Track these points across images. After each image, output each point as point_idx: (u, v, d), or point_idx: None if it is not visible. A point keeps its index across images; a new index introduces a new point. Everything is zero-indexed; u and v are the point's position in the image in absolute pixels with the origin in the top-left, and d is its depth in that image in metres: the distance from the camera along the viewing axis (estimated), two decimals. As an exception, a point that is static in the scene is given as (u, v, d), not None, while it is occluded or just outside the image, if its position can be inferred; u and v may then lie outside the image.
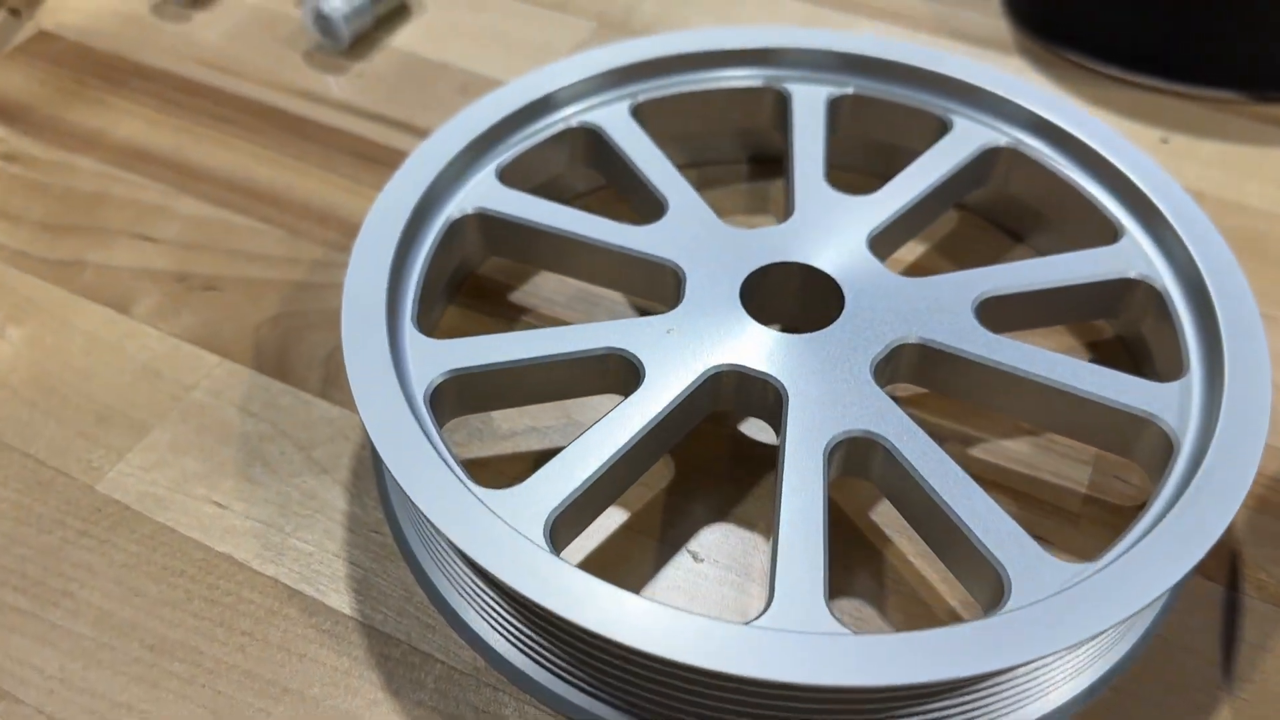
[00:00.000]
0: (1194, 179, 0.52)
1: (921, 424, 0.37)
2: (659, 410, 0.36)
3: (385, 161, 0.52)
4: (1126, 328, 0.44)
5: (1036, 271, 0.41)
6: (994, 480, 0.40)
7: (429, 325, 0.43)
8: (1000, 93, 0.46)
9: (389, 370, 0.36)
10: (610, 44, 0.48)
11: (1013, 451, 0.41)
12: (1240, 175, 0.53)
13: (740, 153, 0.52)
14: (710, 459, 0.41)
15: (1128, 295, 0.41)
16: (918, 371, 0.40)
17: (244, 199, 0.50)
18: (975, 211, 0.50)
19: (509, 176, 0.45)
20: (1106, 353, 0.44)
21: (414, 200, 0.41)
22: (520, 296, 0.46)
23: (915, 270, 0.48)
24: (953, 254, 0.48)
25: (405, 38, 0.59)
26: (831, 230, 0.42)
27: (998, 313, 0.41)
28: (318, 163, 0.52)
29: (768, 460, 0.41)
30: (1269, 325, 0.46)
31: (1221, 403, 0.36)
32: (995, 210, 0.49)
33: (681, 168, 0.51)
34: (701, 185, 0.51)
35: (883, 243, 0.43)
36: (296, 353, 0.44)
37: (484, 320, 0.46)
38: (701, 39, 0.48)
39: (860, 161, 0.51)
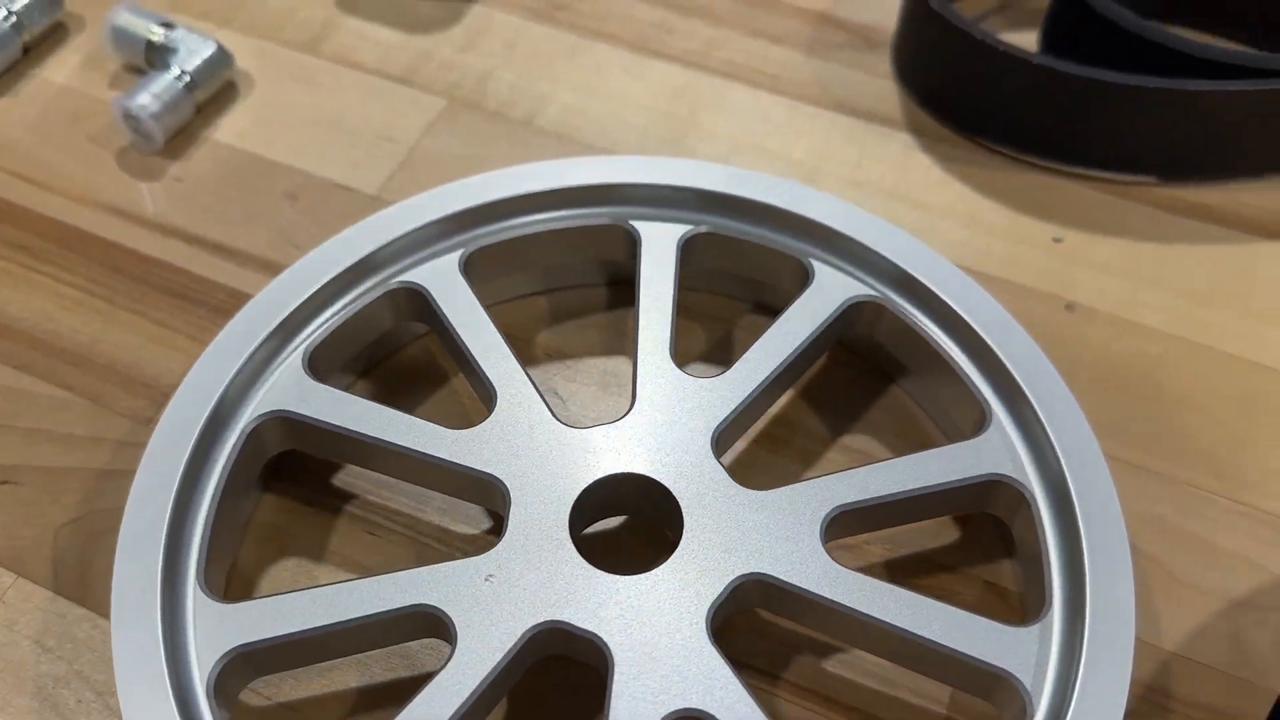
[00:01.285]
0: (1087, 290, 0.48)
1: (766, 652, 0.34)
2: (476, 684, 0.33)
3: (199, 298, 0.47)
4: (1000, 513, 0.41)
5: (891, 476, 0.37)
6: (845, 701, 0.38)
7: (221, 568, 0.39)
8: (865, 241, 0.42)
9: (160, 668, 0.32)
10: (437, 189, 0.43)
11: (870, 664, 0.38)
12: (1139, 282, 0.49)
13: (599, 277, 0.48)
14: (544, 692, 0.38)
15: (993, 495, 0.38)
16: (762, 603, 0.37)
17: (45, 360, 0.45)
18: (847, 347, 0.46)
19: (321, 358, 0.40)
20: (978, 530, 0.41)
21: (202, 417, 0.37)
22: (345, 479, 0.43)
23: (778, 424, 0.44)
24: (819, 401, 0.45)
25: (230, 127, 0.53)
26: (674, 426, 0.38)
27: (853, 523, 0.37)
28: (127, 304, 0.47)
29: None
30: (1159, 484, 0.43)
31: (1081, 656, 0.33)
32: (866, 350, 0.45)
33: (531, 295, 0.47)
34: (555, 317, 0.47)
35: (731, 434, 0.39)
36: (98, 565, 0.40)
37: (304, 512, 0.42)
38: (538, 177, 0.43)
39: (724, 287, 0.47)
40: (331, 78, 0.55)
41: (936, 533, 0.42)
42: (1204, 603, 0.40)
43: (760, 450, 0.44)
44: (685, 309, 0.47)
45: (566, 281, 0.47)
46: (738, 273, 0.45)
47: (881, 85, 0.56)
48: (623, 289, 0.48)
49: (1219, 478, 0.43)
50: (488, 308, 0.41)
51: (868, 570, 0.40)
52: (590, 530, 0.40)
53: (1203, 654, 0.39)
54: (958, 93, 0.53)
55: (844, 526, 0.37)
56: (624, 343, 0.47)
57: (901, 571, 0.41)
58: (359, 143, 0.53)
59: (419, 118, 0.54)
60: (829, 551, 0.36)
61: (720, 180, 0.43)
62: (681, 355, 0.46)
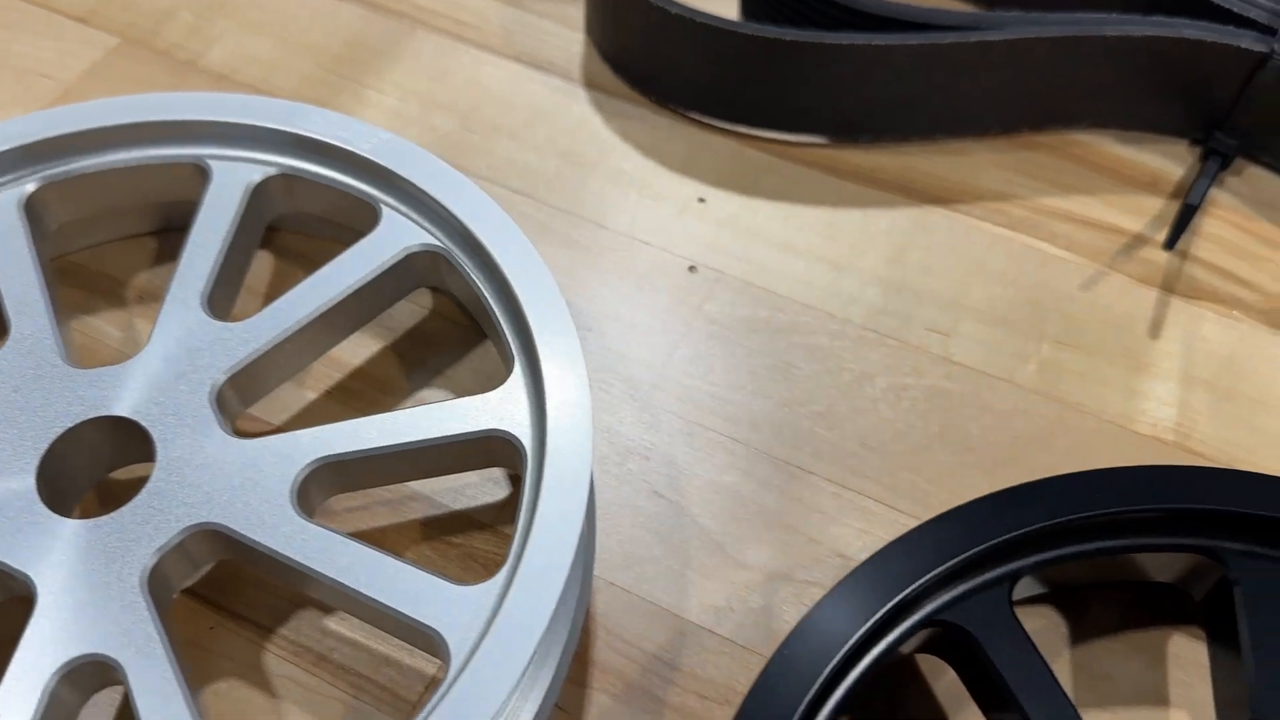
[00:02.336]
0: (717, 251, 0.47)
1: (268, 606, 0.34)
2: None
3: None
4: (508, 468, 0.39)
5: (386, 429, 0.36)
6: (336, 660, 0.37)
7: None
8: (431, 191, 0.40)
9: None
10: (8, 120, 0.42)
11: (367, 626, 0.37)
12: (772, 245, 0.47)
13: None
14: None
15: (498, 452, 0.37)
16: (227, 554, 0.35)
17: None
18: (455, 300, 0.45)
19: None
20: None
21: None
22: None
23: (355, 376, 0.43)
24: (409, 353, 0.43)
25: (-106, 59, 0.52)
26: (177, 370, 0.37)
27: (341, 477, 0.36)
28: None
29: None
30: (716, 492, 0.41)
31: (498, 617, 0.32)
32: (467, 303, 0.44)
33: (143, 236, 0.46)
34: (161, 259, 0.46)
35: (250, 381, 0.38)
36: None
37: None
38: (115, 111, 0.42)
39: (321, 231, 0.45)
40: (6, 12, 0.54)
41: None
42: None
43: (330, 403, 0.42)
44: (286, 251, 0.46)
45: (179, 223, 0.46)
46: (323, 216, 0.44)
47: (571, 39, 0.54)
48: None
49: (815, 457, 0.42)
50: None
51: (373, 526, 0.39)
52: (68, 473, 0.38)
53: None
54: (634, 51, 0.51)
55: (331, 479, 0.36)
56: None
57: (439, 529, 0.40)
58: (16, 79, 0.52)
59: (85, 56, 0.53)
60: (298, 504, 0.34)
61: (298, 121, 0.42)
62: (264, 299, 0.44)
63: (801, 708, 0.30)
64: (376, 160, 0.41)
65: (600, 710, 0.36)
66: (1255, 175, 0.50)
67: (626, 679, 0.37)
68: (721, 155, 0.50)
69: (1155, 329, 0.45)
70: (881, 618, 0.32)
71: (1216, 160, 0.49)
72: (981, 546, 0.33)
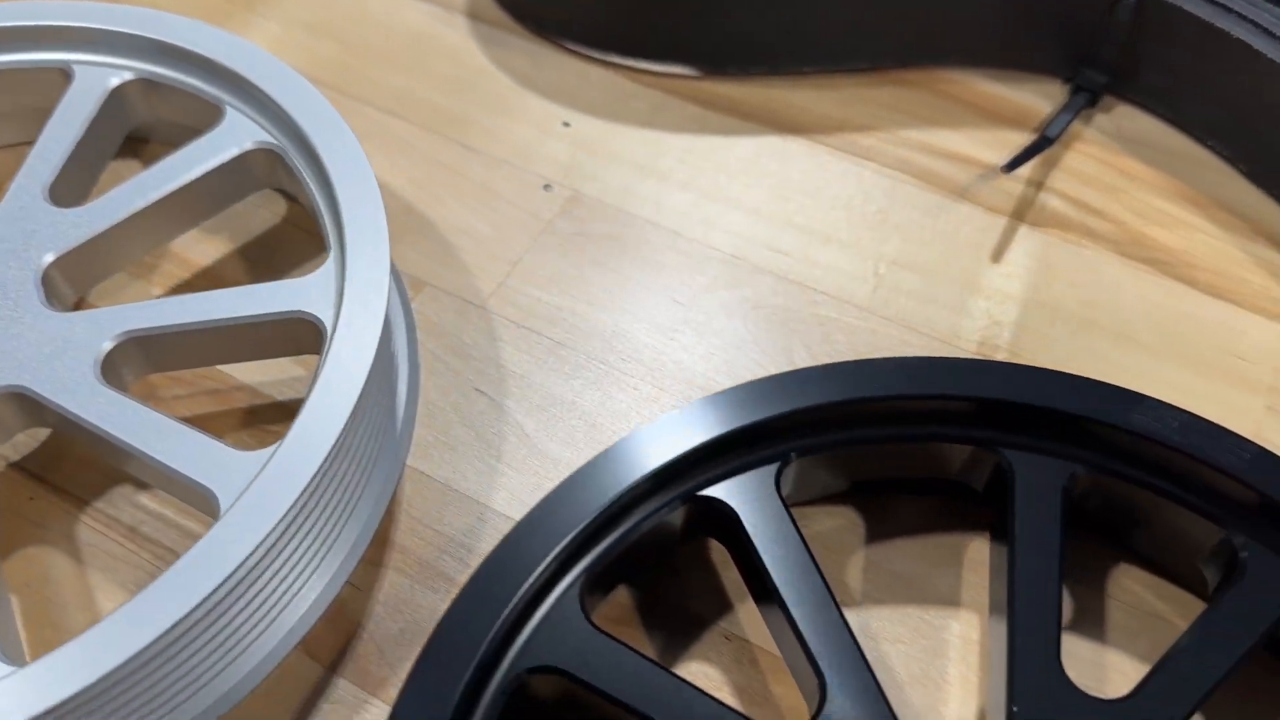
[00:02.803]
0: (577, 173, 0.48)
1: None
2: None
3: None
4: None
5: (191, 307, 0.37)
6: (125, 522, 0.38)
7: None
8: (272, 91, 0.41)
9: None
10: None
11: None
12: (632, 169, 0.48)
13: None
14: None
15: (301, 335, 0.38)
16: (32, 418, 0.37)
17: None
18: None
19: None
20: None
21: None
22: None
23: (202, 275, 0.44)
24: (256, 255, 0.45)
25: None
26: (11, 250, 0.39)
27: (149, 352, 0.37)
28: None
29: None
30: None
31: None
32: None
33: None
34: None
35: (79, 266, 0.40)
36: None
37: None
38: None
39: (172, 136, 0.46)
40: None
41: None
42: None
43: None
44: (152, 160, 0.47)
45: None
46: (181, 123, 0.45)
47: (464, -28, 0.55)
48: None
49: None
50: None
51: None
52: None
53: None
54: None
55: (139, 355, 0.37)
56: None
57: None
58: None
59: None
60: (103, 375, 0.36)
61: (156, 27, 0.43)
62: None
63: (541, 567, 0.31)
64: (222, 61, 0.42)
65: (391, 587, 0.37)
66: (1124, 113, 0.50)
67: (422, 560, 0.38)
68: (593, 84, 0.51)
69: (997, 254, 0.45)
70: (637, 488, 0.33)
71: (1084, 96, 0.49)
72: (748, 423, 0.33)
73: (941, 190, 0.47)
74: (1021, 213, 0.47)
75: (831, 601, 0.32)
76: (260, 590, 0.32)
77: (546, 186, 0.47)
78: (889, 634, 0.36)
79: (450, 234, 0.46)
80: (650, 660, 0.31)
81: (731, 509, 0.33)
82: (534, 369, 0.42)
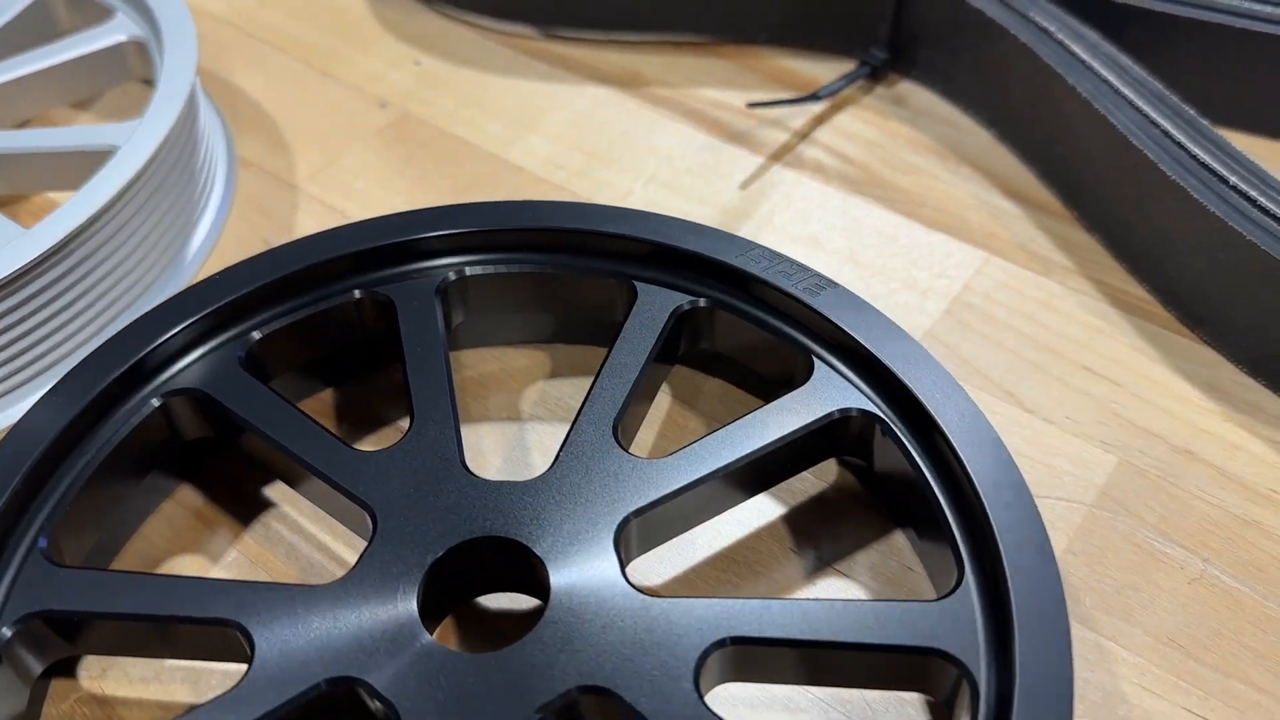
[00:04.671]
0: (418, 99, 0.56)
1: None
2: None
3: None
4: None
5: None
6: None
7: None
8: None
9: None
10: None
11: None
12: (468, 103, 0.56)
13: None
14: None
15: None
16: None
17: None
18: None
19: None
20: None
21: None
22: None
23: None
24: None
25: None
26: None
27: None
28: None
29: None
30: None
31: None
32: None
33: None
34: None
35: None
36: None
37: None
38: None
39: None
40: None
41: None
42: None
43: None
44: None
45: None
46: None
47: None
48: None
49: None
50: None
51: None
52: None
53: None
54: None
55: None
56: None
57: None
58: None
59: None
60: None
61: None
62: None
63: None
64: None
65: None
66: (907, 88, 0.56)
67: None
68: (450, 36, 0.60)
69: (746, 184, 0.51)
70: (98, 400, 0.36)
71: (865, 69, 0.55)
72: (209, 309, 0.38)
73: (719, 135, 0.54)
74: (780, 156, 0.53)
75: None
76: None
77: (383, 105, 0.56)
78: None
79: (287, 132, 0.54)
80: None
81: (208, 393, 0.37)
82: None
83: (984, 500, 0.32)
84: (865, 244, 0.48)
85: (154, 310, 0.38)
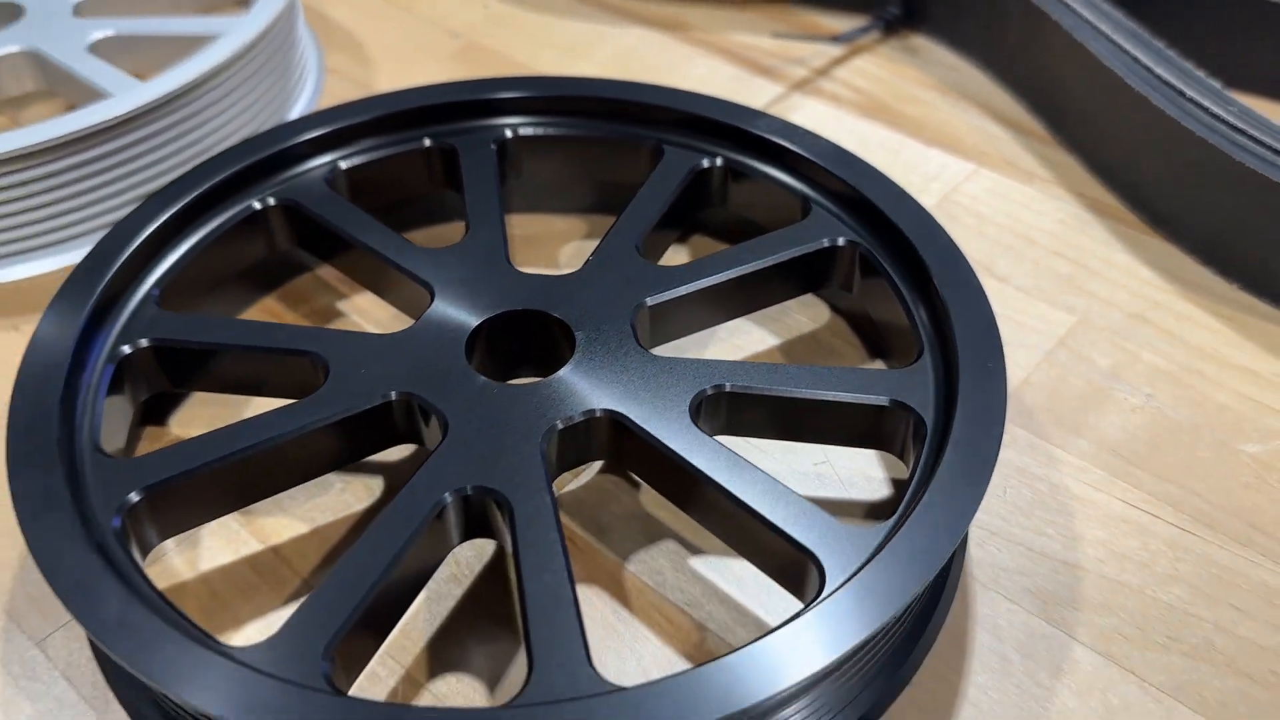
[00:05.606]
0: (473, 27, 0.64)
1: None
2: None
3: None
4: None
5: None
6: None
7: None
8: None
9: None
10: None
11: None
12: (522, 39, 0.64)
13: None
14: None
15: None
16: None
17: None
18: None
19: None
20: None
21: None
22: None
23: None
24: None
25: None
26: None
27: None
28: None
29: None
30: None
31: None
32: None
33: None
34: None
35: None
36: None
37: None
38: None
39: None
40: None
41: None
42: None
43: None
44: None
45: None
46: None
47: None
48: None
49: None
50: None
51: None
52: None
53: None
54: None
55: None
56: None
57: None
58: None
59: None
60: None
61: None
62: None
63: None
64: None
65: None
66: (919, 41, 0.63)
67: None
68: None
69: (766, 108, 0.58)
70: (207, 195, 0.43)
71: (880, 24, 0.62)
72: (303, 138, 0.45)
73: (747, 69, 0.61)
74: (799, 86, 0.60)
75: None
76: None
77: (454, 36, 0.64)
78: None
79: (370, 51, 0.62)
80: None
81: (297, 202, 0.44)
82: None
83: (941, 290, 0.39)
84: (870, 156, 0.55)
85: (260, 135, 0.45)
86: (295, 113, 0.56)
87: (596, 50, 0.63)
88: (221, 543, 0.38)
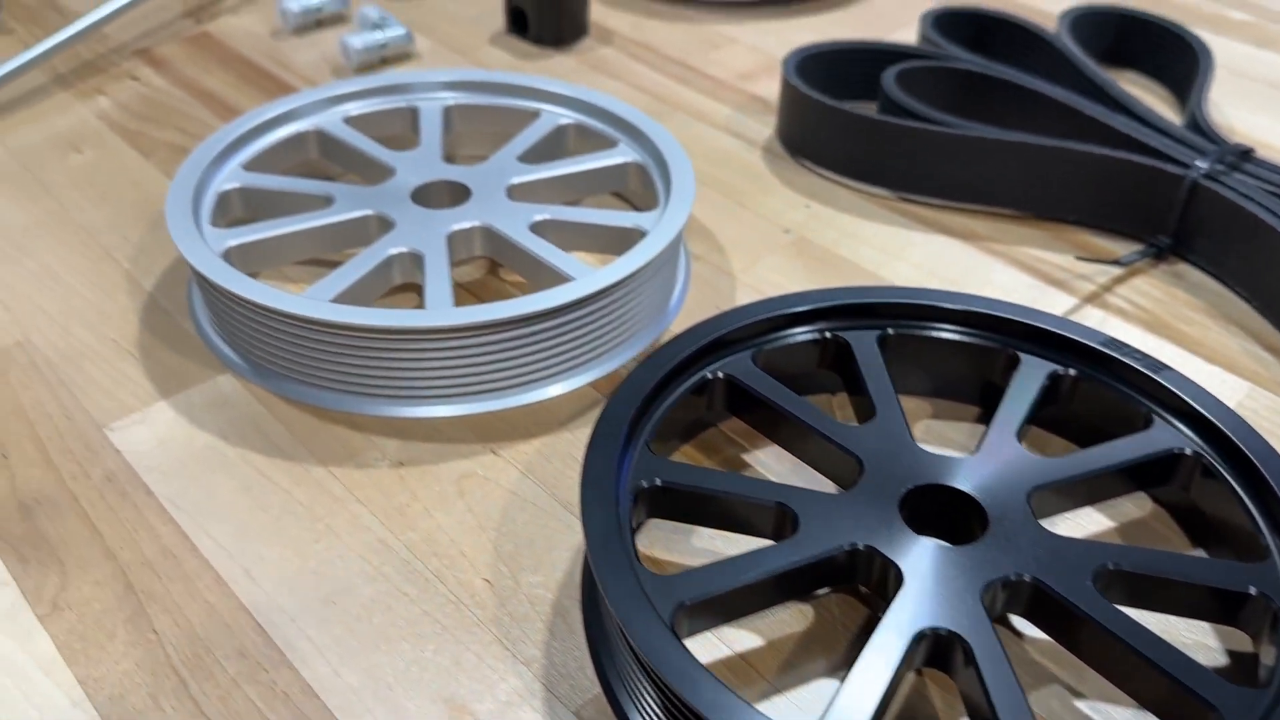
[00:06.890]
0: (798, 224, 0.76)
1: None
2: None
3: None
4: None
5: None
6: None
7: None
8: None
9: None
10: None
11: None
12: (836, 233, 0.76)
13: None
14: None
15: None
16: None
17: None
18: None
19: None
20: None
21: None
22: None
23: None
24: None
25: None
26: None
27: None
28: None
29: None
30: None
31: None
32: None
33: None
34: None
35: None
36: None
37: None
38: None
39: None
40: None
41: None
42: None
43: None
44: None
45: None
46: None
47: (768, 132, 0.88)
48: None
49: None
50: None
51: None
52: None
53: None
54: (802, 137, 0.84)
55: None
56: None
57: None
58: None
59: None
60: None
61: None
62: None
63: (639, 403, 0.53)
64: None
65: (644, 374, 0.64)
66: (1183, 268, 0.74)
67: (664, 368, 0.64)
68: (832, 191, 0.80)
69: (1067, 314, 0.69)
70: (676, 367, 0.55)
71: (1152, 250, 0.74)
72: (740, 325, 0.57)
73: (1040, 280, 0.72)
74: (1089, 300, 0.71)
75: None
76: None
77: (786, 231, 0.76)
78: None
79: (721, 240, 0.75)
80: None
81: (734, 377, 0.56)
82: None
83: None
84: (1159, 366, 0.65)
85: (709, 321, 0.57)
86: (674, 296, 0.68)
87: (908, 251, 0.74)
88: (695, 645, 0.49)
